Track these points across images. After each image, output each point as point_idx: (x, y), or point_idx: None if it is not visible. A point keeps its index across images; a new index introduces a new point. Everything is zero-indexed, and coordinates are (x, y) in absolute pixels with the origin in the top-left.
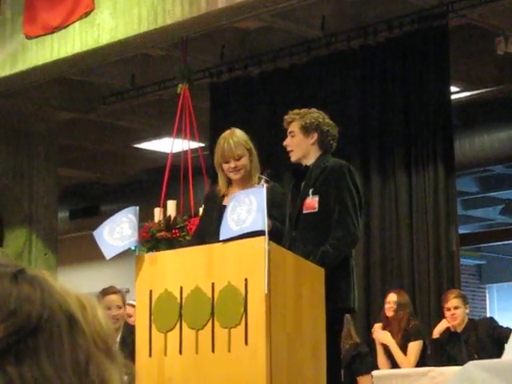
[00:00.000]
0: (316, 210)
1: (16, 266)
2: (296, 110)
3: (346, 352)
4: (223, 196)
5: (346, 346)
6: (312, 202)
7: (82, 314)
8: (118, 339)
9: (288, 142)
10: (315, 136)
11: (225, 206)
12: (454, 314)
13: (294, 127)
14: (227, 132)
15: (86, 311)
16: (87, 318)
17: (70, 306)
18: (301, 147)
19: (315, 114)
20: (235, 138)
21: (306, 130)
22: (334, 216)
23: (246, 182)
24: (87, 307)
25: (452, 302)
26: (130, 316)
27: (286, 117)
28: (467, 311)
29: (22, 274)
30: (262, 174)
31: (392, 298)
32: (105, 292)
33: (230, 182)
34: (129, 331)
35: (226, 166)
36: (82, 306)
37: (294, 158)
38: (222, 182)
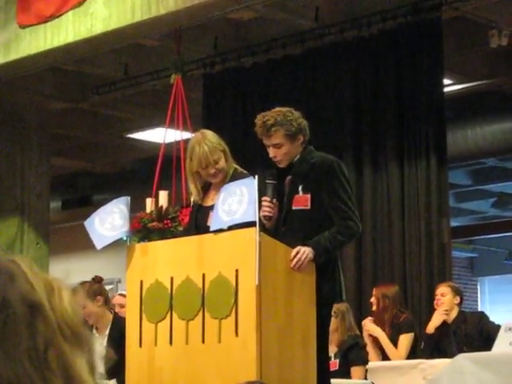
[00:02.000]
0: (308, 207)
1: None
2: (271, 119)
3: (343, 342)
4: (202, 198)
5: (344, 337)
6: (303, 199)
7: (48, 301)
8: (108, 330)
9: (276, 153)
10: (301, 138)
11: (204, 207)
12: (439, 300)
13: (279, 138)
14: (198, 136)
15: (53, 297)
16: (54, 304)
17: (34, 292)
18: (290, 154)
19: (291, 117)
20: (209, 142)
21: (292, 136)
22: (332, 212)
23: (223, 181)
24: (55, 293)
25: (440, 289)
26: (122, 306)
27: (262, 130)
28: (456, 302)
29: None
30: (266, 173)
31: (376, 292)
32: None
33: (206, 187)
34: (117, 322)
35: (203, 172)
36: (51, 291)
37: (283, 164)
38: (195, 190)
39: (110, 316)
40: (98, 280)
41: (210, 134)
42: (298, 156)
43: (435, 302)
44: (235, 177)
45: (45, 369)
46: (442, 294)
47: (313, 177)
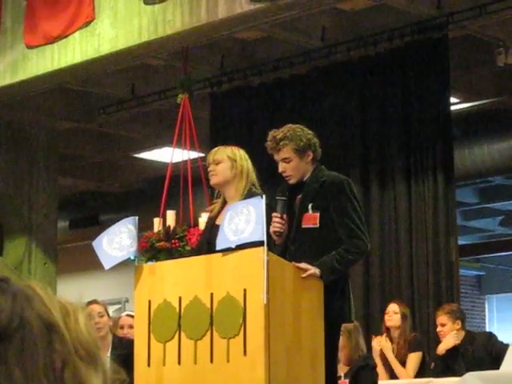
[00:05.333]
0: (317, 225)
1: None
2: (281, 134)
3: (354, 363)
4: (216, 216)
5: (354, 357)
6: (312, 217)
7: (64, 322)
8: (109, 351)
9: (285, 168)
10: (310, 155)
11: (217, 226)
12: (441, 332)
13: (288, 153)
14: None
15: (69, 318)
16: (69, 325)
17: (50, 314)
18: (299, 170)
19: (301, 132)
20: (223, 147)
21: (301, 151)
22: (341, 230)
23: (231, 194)
24: (71, 314)
25: (439, 318)
26: (131, 327)
27: (272, 144)
28: (458, 327)
29: None
30: (277, 190)
31: (392, 307)
32: (87, 304)
33: (225, 202)
34: (117, 344)
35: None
36: (66, 314)
37: (293, 181)
38: (220, 201)
39: (110, 337)
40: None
41: (235, 147)
42: (308, 174)
43: (438, 331)
44: (248, 196)
45: None
46: (441, 324)
47: (322, 195)
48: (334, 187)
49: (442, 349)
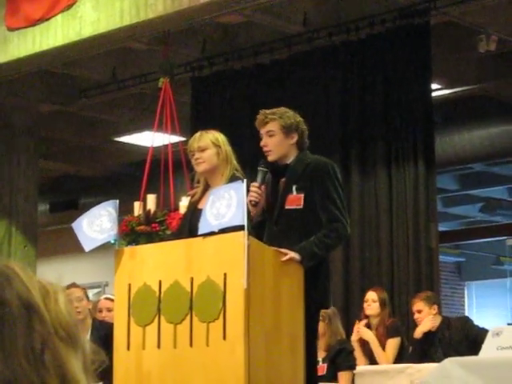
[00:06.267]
0: (301, 206)
1: None
2: (271, 110)
3: (331, 347)
4: (199, 200)
5: (332, 341)
6: (296, 199)
7: (43, 302)
8: (88, 335)
9: (267, 142)
10: (295, 137)
11: (199, 210)
12: (418, 318)
13: (274, 127)
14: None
15: (48, 299)
16: (49, 306)
17: (30, 294)
18: (281, 147)
19: (291, 114)
20: (205, 133)
21: (287, 130)
22: (322, 212)
23: (217, 180)
24: (51, 295)
25: (415, 306)
26: (109, 310)
27: (261, 117)
28: (434, 312)
29: None
30: (259, 163)
31: (371, 296)
32: (66, 287)
33: (205, 190)
34: (97, 327)
35: (192, 160)
36: (45, 294)
37: (272, 157)
38: (199, 190)
39: (90, 321)
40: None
41: (214, 131)
42: (292, 158)
43: (415, 318)
44: (231, 181)
45: (41, 368)
46: (418, 310)
47: (307, 177)
48: (319, 170)
49: (419, 332)
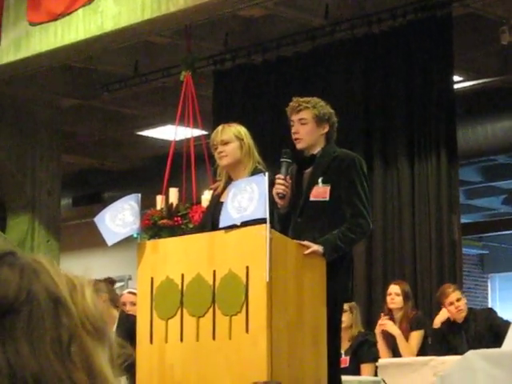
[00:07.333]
0: (327, 199)
1: (4, 250)
2: (304, 98)
3: (354, 339)
4: (221, 193)
5: (354, 333)
6: (322, 191)
7: (70, 296)
8: (114, 328)
9: (299, 129)
10: (326, 128)
11: (221, 203)
12: (459, 307)
13: (307, 115)
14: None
15: (75, 292)
16: (76, 300)
17: (57, 287)
18: (311, 136)
19: (324, 104)
20: (227, 126)
21: (320, 120)
22: (346, 206)
23: (239, 173)
24: (77, 288)
25: (453, 295)
26: (133, 304)
27: (294, 104)
28: (465, 301)
29: (4, 257)
30: (281, 152)
31: (394, 289)
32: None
33: (227, 183)
34: (123, 320)
35: (215, 154)
36: (72, 288)
37: (301, 145)
38: (223, 179)
39: (116, 314)
40: (108, 280)
41: (237, 125)
42: (319, 149)
43: (454, 310)
44: (253, 174)
45: (68, 361)
46: (457, 299)
47: (333, 170)
48: (346, 163)
49: (437, 321)
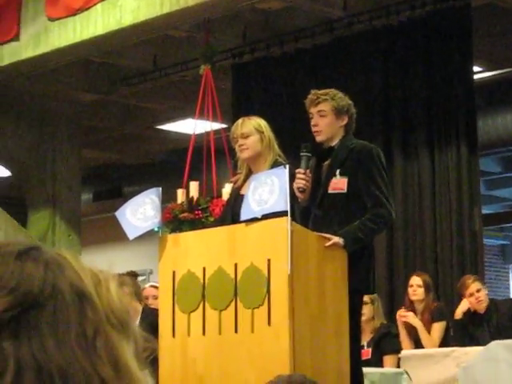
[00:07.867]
0: (345, 190)
1: (28, 245)
2: (323, 91)
3: (376, 330)
4: (241, 186)
5: (376, 325)
6: (340, 183)
7: (95, 290)
8: (137, 322)
9: (318, 122)
10: (345, 119)
11: (242, 196)
12: (479, 297)
13: (326, 107)
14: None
15: (100, 286)
16: (101, 294)
17: (82, 282)
18: (331, 128)
19: (342, 96)
20: (247, 119)
21: (339, 112)
22: (367, 197)
23: (260, 166)
24: (102, 283)
25: (473, 286)
26: (156, 298)
27: (313, 96)
28: (486, 292)
29: (28, 252)
30: (301, 146)
31: (415, 281)
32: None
33: (247, 176)
34: (147, 314)
35: (236, 147)
36: (97, 282)
37: (321, 138)
38: (244, 172)
39: (140, 307)
40: (131, 274)
41: (257, 118)
42: (337, 140)
43: (474, 301)
44: (274, 167)
45: (94, 355)
46: (477, 290)
47: (351, 161)
48: (363, 154)
49: (458, 312)
